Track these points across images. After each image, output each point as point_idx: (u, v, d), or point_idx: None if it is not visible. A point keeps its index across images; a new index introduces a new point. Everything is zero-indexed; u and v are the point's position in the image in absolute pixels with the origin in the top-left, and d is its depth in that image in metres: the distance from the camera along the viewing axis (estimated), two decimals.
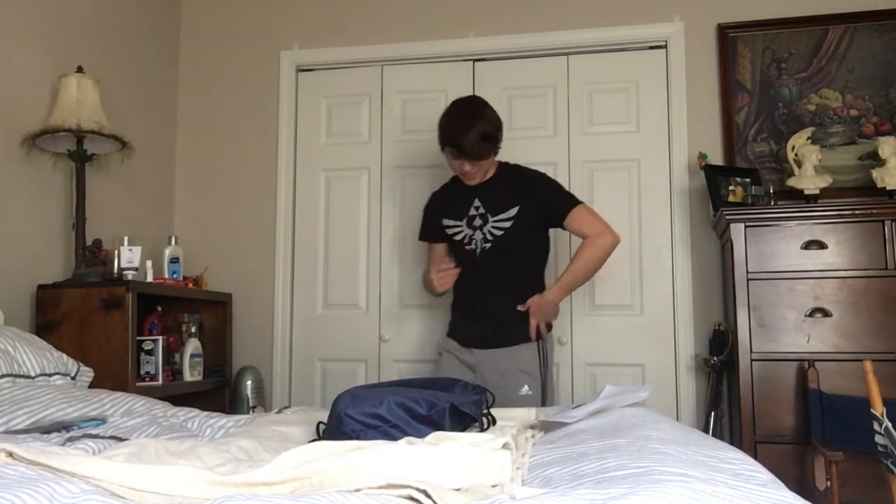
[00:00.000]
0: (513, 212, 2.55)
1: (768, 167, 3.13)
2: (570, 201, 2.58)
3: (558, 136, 3.35)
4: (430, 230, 2.78)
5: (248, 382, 3.30)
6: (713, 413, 2.94)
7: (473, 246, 2.60)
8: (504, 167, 2.68)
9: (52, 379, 2.16)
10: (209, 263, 3.42)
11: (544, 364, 2.56)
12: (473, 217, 2.61)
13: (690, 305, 3.17)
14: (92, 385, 2.35)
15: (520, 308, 2.53)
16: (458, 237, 2.63)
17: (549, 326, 2.63)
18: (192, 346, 3.05)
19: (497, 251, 2.56)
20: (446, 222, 2.66)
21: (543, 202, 2.57)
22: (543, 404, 2.50)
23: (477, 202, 2.61)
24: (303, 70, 3.64)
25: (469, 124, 2.47)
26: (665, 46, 3.30)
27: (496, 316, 2.56)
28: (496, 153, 2.59)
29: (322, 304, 3.52)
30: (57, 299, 2.63)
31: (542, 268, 2.69)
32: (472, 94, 3.02)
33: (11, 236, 2.64)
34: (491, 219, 2.58)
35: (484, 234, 2.58)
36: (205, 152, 3.67)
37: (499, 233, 2.56)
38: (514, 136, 3.38)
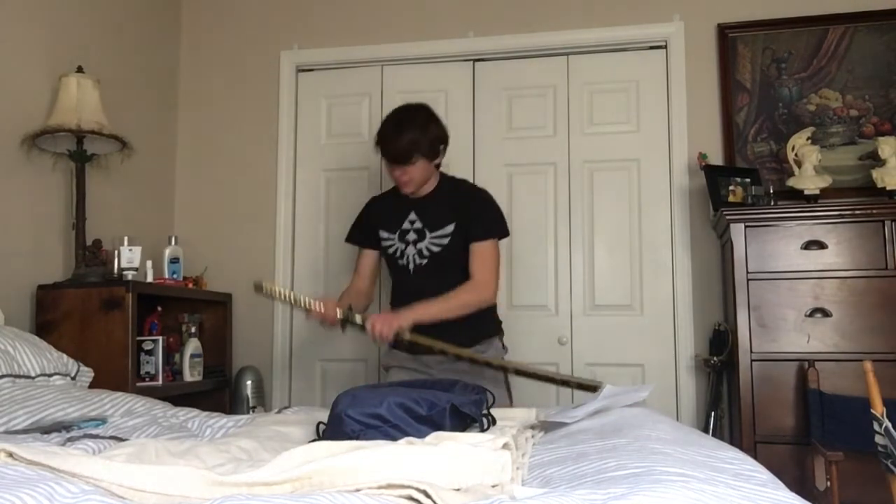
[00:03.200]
0: (449, 228, 2.41)
1: (768, 167, 3.13)
2: (489, 231, 2.42)
3: (558, 136, 3.35)
4: (363, 234, 2.59)
5: (248, 382, 3.30)
6: (713, 413, 2.94)
7: (406, 262, 2.45)
8: (444, 180, 2.51)
9: (52, 379, 2.16)
10: (209, 263, 3.42)
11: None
12: (407, 231, 2.46)
13: (690, 305, 3.17)
14: (92, 385, 2.35)
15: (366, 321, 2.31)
16: (391, 250, 2.49)
17: (395, 342, 2.35)
18: (192, 346, 3.05)
19: (433, 267, 2.41)
20: (381, 234, 2.52)
21: (471, 219, 2.42)
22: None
23: (413, 216, 2.46)
24: (303, 70, 3.64)
25: (399, 128, 2.37)
26: (665, 46, 3.31)
27: (438, 327, 2.33)
28: (433, 165, 2.43)
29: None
30: (57, 299, 2.63)
31: None
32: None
33: (11, 236, 2.64)
34: (429, 234, 2.43)
35: (419, 249, 2.43)
36: (205, 152, 3.67)
37: (436, 249, 2.42)
38: (514, 136, 3.38)
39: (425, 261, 2.42)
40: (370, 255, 2.60)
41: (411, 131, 2.37)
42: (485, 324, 2.47)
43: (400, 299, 2.48)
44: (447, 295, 2.36)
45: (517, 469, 1.14)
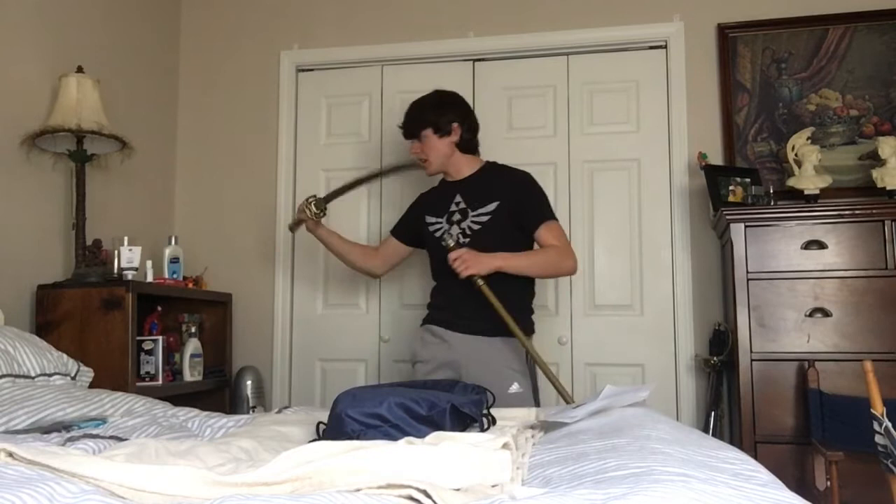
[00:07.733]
0: (491, 206, 2.49)
1: (768, 167, 3.13)
2: (548, 212, 2.52)
3: (558, 136, 3.35)
4: (402, 225, 2.80)
5: (248, 382, 3.30)
6: (713, 413, 2.94)
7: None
8: (490, 165, 2.65)
9: (52, 379, 2.16)
10: (209, 263, 3.42)
11: (528, 359, 2.50)
12: (453, 213, 2.56)
13: (690, 305, 3.17)
14: (92, 385, 2.35)
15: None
16: (437, 233, 2.57)
17: (472, 282, 2.37)
18: (192, 346, 3.06)
19: (475, 247, 2.42)
20: (428, 219, 2.63)
21: (522, 203, 2.50)
22: (536, 402, 2.48)
23: (458, 198, 2.57)
24: (303, 70, 3.64)
25: (412, 105, 2.61)
26: (665, 46, 3.30)
27: (475, 305, 2.41)
28: (450, 143, 2.56)
29: (322, 304, 3.52)
30: (57, 299, 2.63)
31: None
32: (465, 92, 3.05)
33: (11, 236, 2.64)
34: (470, 213, 2.52)
35: (462, 228, 2.51)
36: (205, 152, 3.67)
37: (476, 227, 2.50)
38: (515, 136, 3.38)
39: (468, 240, 2.49)
40: (394, 245, 2.80)
41: (421, 108, 2.57)
42: (522, 320, 2.50)
43: (442, 279, 2.57)
44: (531, 251, 2.48)
45: (517, 469, 1.14)
